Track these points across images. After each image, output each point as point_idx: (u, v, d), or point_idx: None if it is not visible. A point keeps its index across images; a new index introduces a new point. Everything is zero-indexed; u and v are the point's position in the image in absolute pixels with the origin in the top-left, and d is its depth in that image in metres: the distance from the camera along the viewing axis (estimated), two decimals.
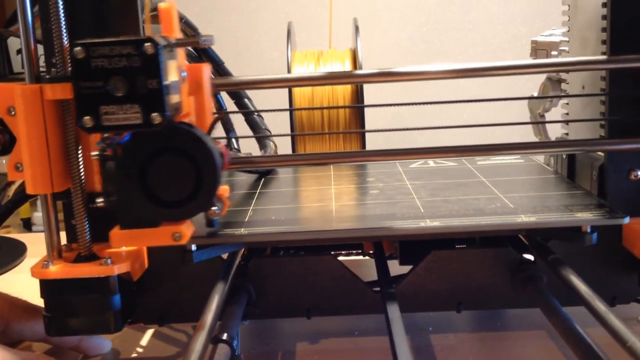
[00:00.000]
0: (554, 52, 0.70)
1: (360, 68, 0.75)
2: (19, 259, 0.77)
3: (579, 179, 0.56)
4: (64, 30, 0.44)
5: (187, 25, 0.66)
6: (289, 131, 0.73)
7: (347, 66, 0.77)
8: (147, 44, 0.37)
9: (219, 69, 0.67)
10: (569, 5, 0.59)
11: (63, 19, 0.44)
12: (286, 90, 0.71)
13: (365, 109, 0.74)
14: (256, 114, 0.70)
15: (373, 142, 0.70)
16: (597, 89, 0.53)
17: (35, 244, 0.81)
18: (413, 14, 1.50)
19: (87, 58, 0.37)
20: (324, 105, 0.75)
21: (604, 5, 0.50)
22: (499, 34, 1.35)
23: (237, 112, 0.67)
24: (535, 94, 0.73)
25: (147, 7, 0.49)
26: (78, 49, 0.38)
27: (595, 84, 0.53)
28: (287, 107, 0.72)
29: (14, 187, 0.64)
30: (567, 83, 0.61)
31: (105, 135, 0.41)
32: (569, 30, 0.60)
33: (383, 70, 0.49)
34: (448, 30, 1.49)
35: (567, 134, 0.61)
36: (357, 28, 0.80)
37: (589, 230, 0.46)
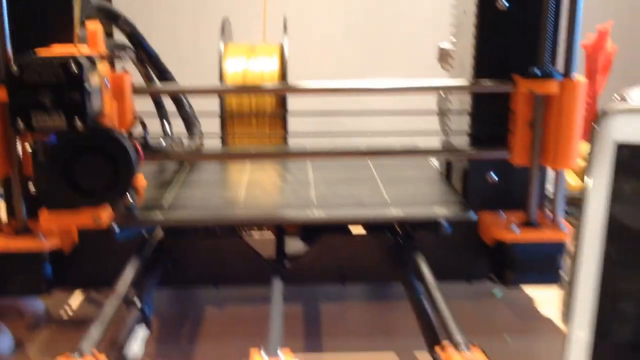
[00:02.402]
0: (452, 60, 0.80)
1: (286, 63, 0.82)
2: None
3: (453, 179, 0.66)
4: (7, 37, 0.51)
5: (125, 23, 0.72)
6: (219, 117, 0.80)
7: (275, 61, 0.84)
8: (73, 65, 0.45)
9: (155, 63, 0.74)
10: (455, 28, 0.69)
11: (7, 28, 0.51)
12: (217, 71, 0.78)
13: (289, 100, 0.81)
14: (187, 105, 0.78)
15: (296, 126, 0.77)
16: (468, 105, 0.63)
17: None
18: (342, 11, 1.59)
19: (21, 74, 0.45)
20: (251, 100, 0.82)
21: (474, 36, 0.60)
22: (427, 33, 1.45)
23: (158, 109, 0.74)
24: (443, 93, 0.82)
25: (77, 15, 0.56)
26: (13, 66, 0.45)
27: (467, 99, 0.63)
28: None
29: None
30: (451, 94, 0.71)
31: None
32: (455, 50, 0.70)
33: (282, 85, 0.58)
34: (376, 29, 1.58)
35: (449, 138, 0.71)
36: (285, 26, 0.87)
37: (444, 222, 0.57)
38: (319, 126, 0.61)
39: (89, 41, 0.50)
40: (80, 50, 0.48)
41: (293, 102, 0.80)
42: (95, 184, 0.49)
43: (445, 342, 0.41)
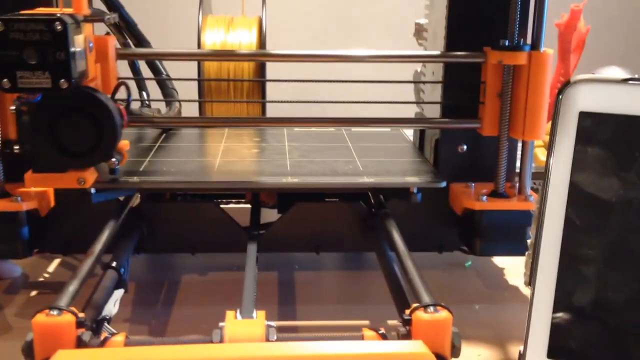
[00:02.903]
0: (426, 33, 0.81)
1: (265, 36, 0.83)
2: None
3: (425, 149, 0.68)
4: None
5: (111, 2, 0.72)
6: (197, 89, 0.81)
7: (253, 34, 0.85)
8: (57, 23, 0.46)
9: (133, 31, 0.74)
10: (429, 1, 0.70)
11: None
12: (195, 43, 0.79)
13: (267, 73, 0.82)
14: (164, 73, 0.79)
15: (274, 96, 0.77)
16: (440, 76, 0.64)
17: None
18: None
19: (6, 31, 0.46)
20: (230, 71, 0.83)
21: (447, 8, 0.61)
22: (401, 7, 1.46)
23: (141, 78, 0.75)
24: (418, 69, 0.84)
25: None
26: None
27: (440, 71, 0.65)
28: (197, 66, 0.80)
29: None
30: (425, 67, 0.72)
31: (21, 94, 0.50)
32: (428, 23, 0.71)
33: (264, 52, 0.59)
34: (357, 4, 1.59)
35: (422, 110, 0.72)
36: None
37: (415, 191, 0.58)
38: (295, 98, 0.62)
39: (73, 2, 0.50)
40: (64, 11, 0.49)
41: (271, 74, 0.80)
42: (80, 146, 0.49)
43: (414, 305, 0.43)
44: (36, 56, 0.46)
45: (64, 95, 0.48)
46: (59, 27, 0.46)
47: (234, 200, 0.72)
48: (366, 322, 0.57)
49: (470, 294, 0.62)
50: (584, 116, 0.46)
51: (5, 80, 0.46)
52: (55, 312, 0.40)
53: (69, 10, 0.51)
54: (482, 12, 0.60)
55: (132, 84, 0.76)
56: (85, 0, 0.52)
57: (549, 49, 0.57)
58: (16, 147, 0.52)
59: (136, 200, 0.62)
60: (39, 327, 0.40)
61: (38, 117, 0.49)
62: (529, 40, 0.58)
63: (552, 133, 0.46)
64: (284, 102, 0.62)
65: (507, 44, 0.57)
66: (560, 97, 0.46)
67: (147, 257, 0.68)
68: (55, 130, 0.49)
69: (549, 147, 0.47)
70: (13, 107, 0.51)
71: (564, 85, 0.47)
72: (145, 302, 0.60)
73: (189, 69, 0.77)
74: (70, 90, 0.47)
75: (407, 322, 0.42)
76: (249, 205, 0.71)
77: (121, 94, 0.56)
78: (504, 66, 0.57)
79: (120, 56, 0.57)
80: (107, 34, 0.66)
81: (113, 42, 0.56)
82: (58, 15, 0.46)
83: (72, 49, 0.47)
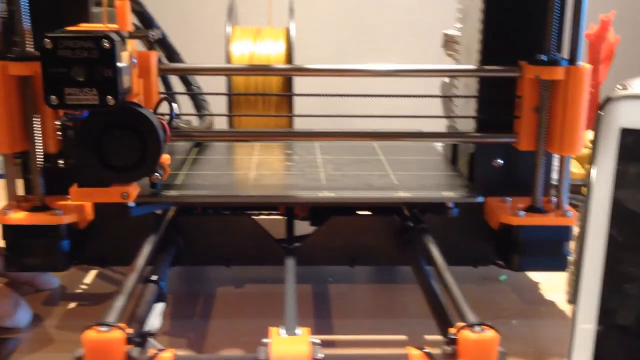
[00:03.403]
0: (458, 46, 0.81)
1: (293, 47, 0.83)
2: None
3: (459, 163, 0.68)
4: (26, 15, 0.52)
5: (135, 3, 0.73)
6: (226, 100, 0.82)
7: (281, 45, 0.85)
8: (105, 40, 0.46)
9: (164, 44, 0.75)
10: (462, 13, 0.70)
11: (26, 4, 0.52)
12: (223, 56, 0.79)
13: (295, 83, 0.82)
14: (195, 86, 0.79)
15: (302, 107, 0.77)
16: (474, 90, 0.64)
17: None
18: None
19: (54, 49, 0.46)
20: (258, 82, 0.83)
21: (481, 21, 0.61)
22: (427, 17, 1.47)
23: (182, 93, 0.75)
24: (447, 80, 0.84)
25: None
26: (47, 40, 0.46)
27: (474, 85, 0.65)
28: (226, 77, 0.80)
29: None
30: (458, 80, 0.72)
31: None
32: (461, 35, 0.71)
33: (299, 66, 0.60)
34: (380, 14, 1.59)
35: (455, 122, 0.72)
36: (291, 10, 0.88)
37: (451, 205, 0.58)
38: (322, 107, 0.62)
39: (118, 17, 0.51)
40: (109, 27, 0.49)
41: (298, 84, 0.81)
42: (125, 161, 0.50)
43: (460, 324, 0.43)
44: (84, 73, 0.46)
45: (109, 111, 0.49)
46: (106, 45, 0.46)
47: (265, 212, 0.72)
48: (403, 337, 0.57)
49: (506, 309, 0.62)
50: (625, 133, 0.46)
51: (53, 97, 0.47)
52: (105, 329, 0.40)
53: (114, 27, 0.51)
54: (517, 25, 0.60)
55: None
56: (129, 17, 0.53)
57: (587, 64, 0.57)
58: (61, 161, 0.52)
59: (170, 212, 0.63)
60: (90, 343, 0.40)
61: (84, 133, 0.49)
62: (564, 54, 0.58)
63: (594, 150, 0.46)
64: (314, 116, 0.63)
65: (544, 58, 0.57)
66: (601, 113, 0.46)
67: (180, 269, 0.68)
68: (101, 146, 0.50)
69: (591, 163, 0.47)
70: (58, 122, 0.52)
71: (605, 102, 0.47)
72: (182, 314, 0.61)
73: (218, 79, 0.78)
74: (116, 106, 0.47)
75: (452, 342, 0.42)
76: (280, 217, 0.71)
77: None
78: (541, 81, 0.57)
79: (161, 71, 0.58)
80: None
81: (155, 58, 0.56)
82: (106, 33, 0.47)
83: (119, 66, 0.47)
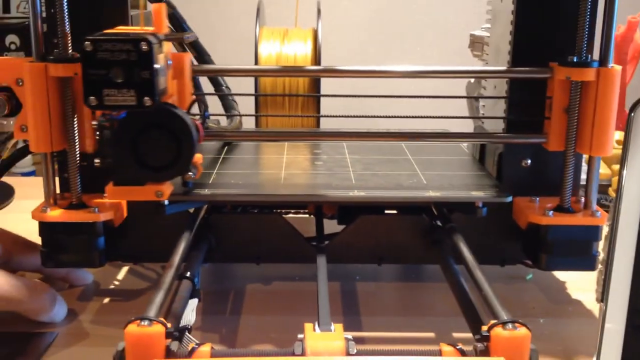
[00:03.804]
0: (487, 47, 0.81)
1: (320, 48, 0.84)
2: (8, 200, 0.87)
3: (486, 163, 0.68)
4: (66, 17, 0.54)
5: (166, 4, 0.74)
6: (253, 99, 0.83)
7: (308, 46, 0.86)
8: (143, 43, 0.47)
9: (195, 45, 0.76)
10: (491, 15, 0.71)
11: (66, 7, 0.53)
12: (252, 57, 0.80)
13: (322, 79, 0.83)
14: (224, 86, 0.80)
15: (329, 107, 0.78)
16: (503, 90, 0.65)
17: (22, 187, 0.91)
18: None
19: (94, 51, 0.47)
20: (285, 83, 0.84)
21: (512, 23, 0.62)
22: (450, 17, 1.47)
23: (212, 94, 0.76)
24: (472, 80, 0.84)
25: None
26: (87, 42, 0.47)
27: (503, 85, 0.65)
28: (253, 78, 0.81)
29: (12, 142, 0.73)
30: (486, 80, 0.73)
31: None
32: (489, 36, 0.72)
33: (330, 67, 0.60)
34: (404, 14, 1.60)
35: (482, 122, 0.73)
36: (319, 11, 0.89)
37: (480, 205, 0.59)
38: (348, 110, 0.62)
39: (154, 20, 0.52)
40: (146, 30, 0.51)
41: (324, 83, 0.82)
42: (160, 161, 0.51)
43: (492, 321, 0.43)
44: (122, 75, 0.48)
45: (146, 112, 0.50)
46: (144, 47, 0.47)
47: (292, 211, 0.73)
48: (432, 334, 0.58)
49: (534, 308, 0.63)
50: None
51: (92, 97, 0.48)
52: (146, 323, 0.42)
53: (150, 29, 0.52)
54: (548, 26, 0.60)
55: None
56: (165, 19, 0.54)
57: (617, 65, 0.57)
58: (97, 160, 0.54)
59: (202, 210, 0.64)
60: (131, 337, 0.41)
61: (121, 133, 0.51)
62: (595, 55, 0.58)
63: (624, 151, 0.47)
64: (340, 116, 0.63)
65: (574, 59, 0.57)
66: (632, 114, 0.47)
67: (210, 266, 0.69)
68: (137, 145, 0.51)
69: (621, 164, 0.47)
70: (95, 122, 0.53)
71: (636, 103, 0.47)
72: (214, 310, 0.62)
73: (246, 79, 0.79)
74: (153, 107, 0.49)
75: (485, 339, 0.42)
76: (307, 215, 0.72)
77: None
78: (572, 82, 0.57)
79: (194, 73, 0.59)
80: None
81: (189, 59, 0.57)
82: (144, 35, 0.48)
83: (157, 67, 0.48)
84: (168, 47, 0.54)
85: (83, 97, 0.48)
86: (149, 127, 0.50)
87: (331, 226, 0.66)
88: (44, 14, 0.56)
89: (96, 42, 0.47)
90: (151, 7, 0.54)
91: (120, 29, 0.55)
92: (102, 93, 0.48)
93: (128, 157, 0.51)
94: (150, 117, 0.50)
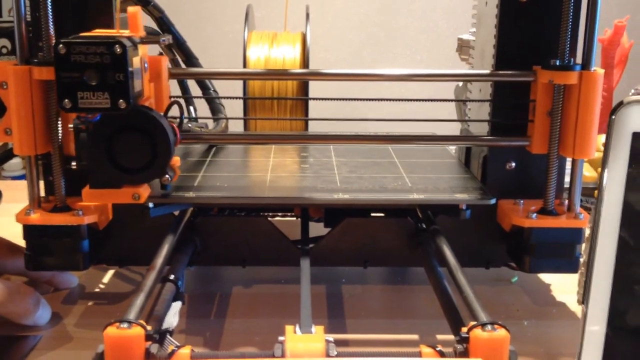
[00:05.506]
0: (472, 50, 0.82)
1: (308, 52, 0.84)
2: None
3: (471, 166, 0.68)
4: (51, 21, 0.54)
5: (155, 8, 0.74)
6: (242, 103, 0.83)
7: (297, 50, 0.86)
8: (117, 46, 0.48)
9: (182, 48, 0.76)
10: (476, 18, 0.71)
11: (50, 11, 0.54)
12: (240, 60, 0.81)
13: (310, 87, 0.83)
14: (212, 90, 0.81)
15: (318, 111, 0.78)
16: (488, 94, 0.65)
17: (10, 190, 0.91)
18: (360, 1, 1.62)
19: (67, 53, 0.48)
20: (274, 86, 0.84)
21: (496, 27, 0.62)
22: (440, 23, 1.47)
23: (198, 97, 0.77)
24: (460, 83, 0.84)
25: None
26: (61, 46, 0.48)
27: (488, 88, 0.65)
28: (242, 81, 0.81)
29: None
30: (472, 84, 0.73)
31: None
32: (475, 40, 0.72)
33: (317, 70, 0.61)
34: (394, 19, 1.60)
35: (468, 126, 0.73)
36: (307, 15, 0.89)
37: (464, 207, 0.59)
38: (337, 113, 0.62)
39: (129, 24, 0.52)
40: (122, 33, 0.51)
41: (313, 88, 0.82)
42: (135, 163, 0.51)
43: (472, 323, 0.43)
44: (96, 78, 0.48)
45: (121, 115, 0.50)
46: (118, 50, 0.48)
47: (280, 214, 0.73)
48: (415, 336, 0.58)
49: (518, 310, 0.63)
50: (637, 137, 0.46)
51: (66, 100, 0.48)
52: (125, 325, 0.42)
53: (126, 32, 0.52)
54: (532, 30, 0.61)
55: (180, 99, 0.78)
56: (141, 22, 0.54)
57: (600, 69, 0.57)
58: (73, 163, 0.54)
59: (187, 213, 0.64)
60: (110, 340, 0.41)
61: (95, 136, 0.51)
62: (578, 59, 0.58)
63: (605, 153, 0.47)
64: (327, 119, 0.63)
65: (557, 63, 0.57)
66: (613, 117, 0.47)
67: (196, 269, 0.69)
68: (112, 148, 0.51)
69: (602, 167, 0.47)
70: (71, 126, 0.53)
71: (617, 106, 0.47)
72: (198, 314, 0.62)
73: (234, 83, 0.79)
74: (127, 110, 0.49)
75: (464, 340, 0.42)
76: (294, 218, 0.72)
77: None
78: (555, 85, 0.57)
79: (172, 75, 0.59)
80: (160, 53, 0.68)
81: (166, 62, 0.57)
82: (117, 38, 0.48)
83: (131, 70, 0.48)
84: (144, 50, 0.54)
85: (57, 99, 0.48)
86: (123, 129, 0.50)
87: (318, 229, 0.66)
88: (28, 18, 0.57)
89: (70, 45, 0.48)
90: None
91: (97, 32, 0.55)
92: (77, 96, 0.48)
93: (103, 159, 0.51)
94: (125, 120, 0.50)
